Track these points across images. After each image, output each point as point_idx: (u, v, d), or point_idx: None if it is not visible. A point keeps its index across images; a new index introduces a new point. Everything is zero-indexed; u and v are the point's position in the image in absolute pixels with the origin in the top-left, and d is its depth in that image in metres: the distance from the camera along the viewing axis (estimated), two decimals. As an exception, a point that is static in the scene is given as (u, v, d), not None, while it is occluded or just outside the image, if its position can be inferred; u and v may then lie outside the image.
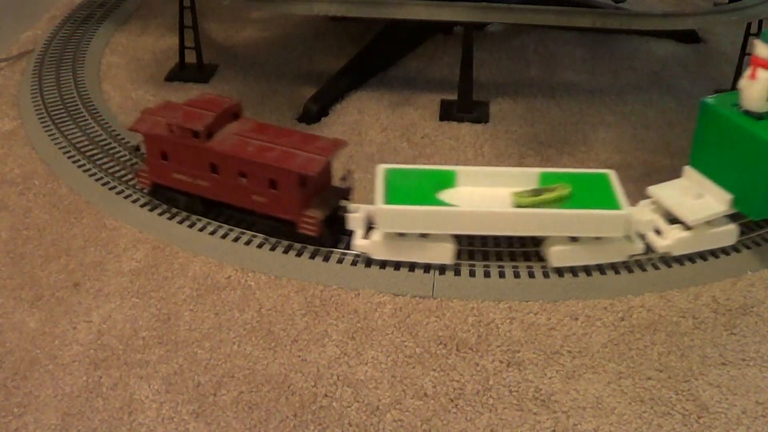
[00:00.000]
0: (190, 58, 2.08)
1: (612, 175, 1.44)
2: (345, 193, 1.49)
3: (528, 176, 1.46)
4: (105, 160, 1.72)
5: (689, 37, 2.24)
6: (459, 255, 1.45)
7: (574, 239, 1.42)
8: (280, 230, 1.48)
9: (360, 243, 1.43)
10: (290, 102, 1.96)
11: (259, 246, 1.49)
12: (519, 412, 1.20)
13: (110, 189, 1.64)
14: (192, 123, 1.44)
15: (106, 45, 2.23)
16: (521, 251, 1.47)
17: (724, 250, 1.48)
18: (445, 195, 1.42)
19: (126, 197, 1.61)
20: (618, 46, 2.23)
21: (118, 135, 1.81)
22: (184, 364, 1.28)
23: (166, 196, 1.56)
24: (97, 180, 1.67)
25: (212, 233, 1.52)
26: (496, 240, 1.49)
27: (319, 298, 1.40)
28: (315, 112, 1.90)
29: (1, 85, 2.05)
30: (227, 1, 1.86)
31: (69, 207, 1.61)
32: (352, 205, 1.47)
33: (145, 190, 1.59)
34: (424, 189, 1.41)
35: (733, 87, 1.97)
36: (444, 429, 1.18)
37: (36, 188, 1.67)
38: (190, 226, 1.54)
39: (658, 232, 1.45)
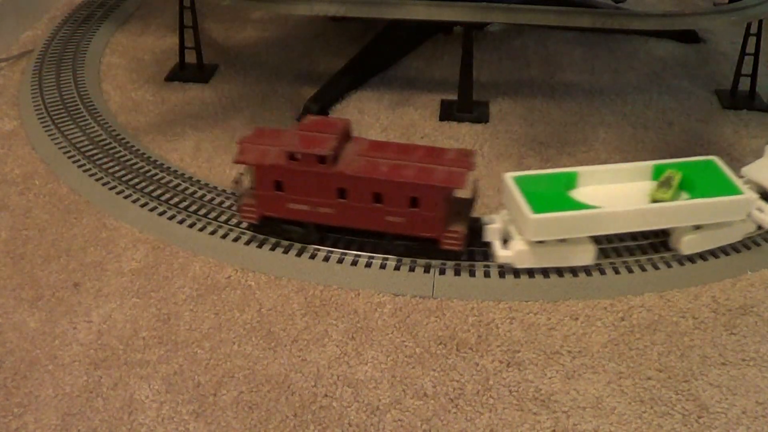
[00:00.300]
0: (190, 58, 2.08)
1: (718, 161, 1.48)
2: (471, 204, 1.46)
3: (642, 170, 1.49)
4: (105, 160, 1.72)
5: (689, 37, 2.24)
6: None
7: (697, 226, 1.44)
8: (416, 249, 1.43)
9: (503, 254, 1.41)
10: (290, 102, 1.96)
11: (259, 246, 1.49)
12: (519, 412, 1.20)
13: (110, 189, 1.64)
14: (317, 148, 1.38)
15: (106, 45, 2.23)
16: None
17: (724, 250, 1.48)
18: (575, 196, 1.43)
19: (126, 197, 1.61)
20: (618, 46, 2.22)
21: (118, 135, 1.81)
22: (184, 364, 1.28)
23: (277, 229, 1.48)
24: (97, 180, 1.67)
25: (212, 233, 1.52)
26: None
27: (319, 298, 1.40)
28: (315, 112, 1.90)
29: (1, 85, 2.05)
30: (227, 1, 1.86)
31: (69, 207, 1.61)
32: (487, 216, 1.46)
33: (243, 225, 1.52)
34: (557, 193, 1.42)
35: (733, 87, 1.98)
36: (444, 429, 1.18)
37: (36, 188, 1.67)
38: (190, 226, 1.54)
39: (759, 210, 1.48)
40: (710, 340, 1.32)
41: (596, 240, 1.43)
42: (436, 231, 1.40)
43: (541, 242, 1.39)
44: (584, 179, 1.47)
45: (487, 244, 1.44)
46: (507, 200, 1.43)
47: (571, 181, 1.46)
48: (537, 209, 1.36)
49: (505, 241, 1.42)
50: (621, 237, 1.48)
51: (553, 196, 1.40)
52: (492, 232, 1.43)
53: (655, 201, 1.42)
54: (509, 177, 1.43)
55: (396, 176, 1.36)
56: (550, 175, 1.46)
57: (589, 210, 1.38)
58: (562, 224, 1.37)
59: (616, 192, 1.46)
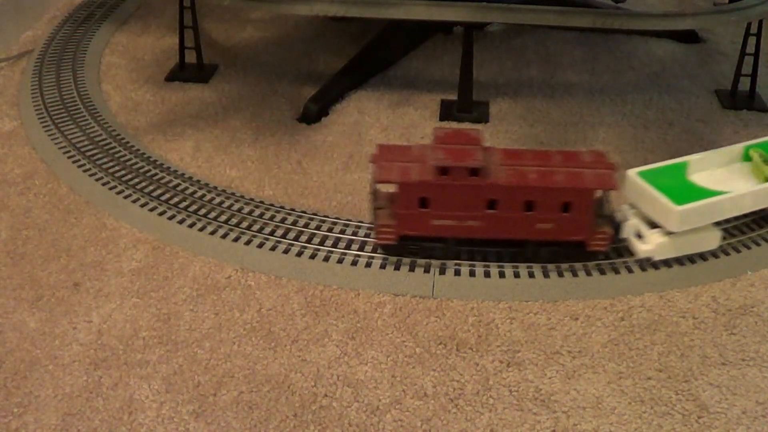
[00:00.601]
0: (190, 58, 2.08)
1: None
2: (603, 204, 1.45)
3: (736, 152, 1.56)
4: (105, 160, 1.72)
5: (689, 37, 2.24)
6: (459, 255, 1.46)
7: None
8: (564, 254, 1.43)
9: (644, 248, 1.43)
10: (290, 102, 1.96)
11: (259, 246, 1.49)
12: (519, 412, 1.20)
13: (110, 189, 1.64)
14: (469, 161, 1.36)
15: (106, 45, 2.23)
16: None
17: (724, 250, 1.48)
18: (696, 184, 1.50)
19: (126, 197, 1.61)
20: (618, 46, 2.22)
21: (118, 135, 1.81)
22: (184, 364, 1.28)
23: (416, 248, 1.43)
24: (97, 180, 1.67)
25: (212, 233, 1.52)
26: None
27: (319, 298, 1.40)
28: (315, 112, 1.90)
29: (1, 85, 2.05)
30: (227, 1, 1.86)
31: (69, 207, 1.61)
32: (620, 213, 1.47)
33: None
34: (681, 183, 1.46)
35: (733, 87, 1.98)
36: (444, 429, 1.18)
37: (36, 188, 1.67)
38: (190, 226, 1.54)
39: None
40: (710, 340, 1.32)
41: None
42: (585, 233, 1.41)
43: (672, 233, 1.42)
44: (694, 167, 1.51)
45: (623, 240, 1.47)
46: (636, 196, 1.45)
47: (684, 170, 1.50)
48: (677, 201, 1.39)
49: (639, 236, 1.45)
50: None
51: (680, 186, 1.45)
52: (628, 228, 1.45)
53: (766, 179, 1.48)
54: (635, 173, 1.46)
55: (550, 182, 1.36)
56: (666, 167, 1.50)
57: (725, 196, 1.43)
58: (703, 212, 1.41)
59: (723, 176, 1.52)
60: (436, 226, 1.40)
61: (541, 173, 1.38)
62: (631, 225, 1.45)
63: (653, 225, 1.43)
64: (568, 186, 1.36)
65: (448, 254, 1.44)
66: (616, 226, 1.46)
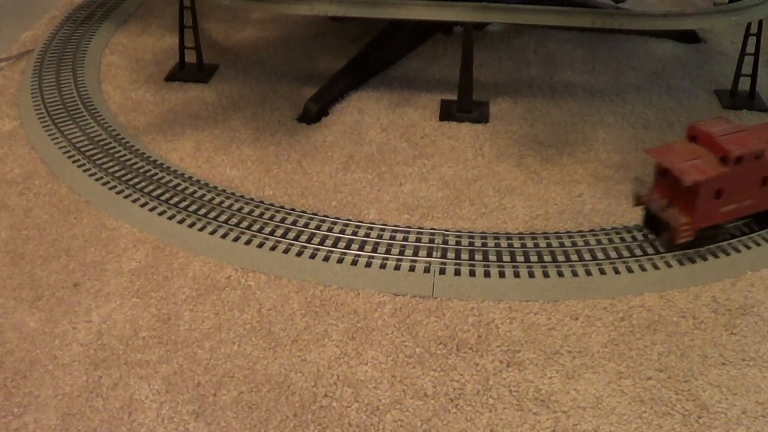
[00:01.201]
0: (190, 58, 2.08)
1: None
2: None
3: None
4: (105, 160, 1.72)
5: (689, 37, 2.24)
6: (459, 254, 1.45)
7: None
8: None
9: None
10: (290, 102, 1.96)
11: (259, 246, 1.49)
12: (519, 412, 1.20)
13: (110, 189, 1.64)
14: (757, 145, 1.44)
15: (106, 45, 2.23)
16: (521, 250, 1.47)
17: (724, 250, 1.48)
18: None
19: (126, 197, 1.61)
20: (618, 46, 2.23)
21: (118, 135, 1.81)
22: (184, 364, 1.28)
23: (703, 238, 1.49)
24: (97, 180, 1.67)
25: (212, 233, 1.52)
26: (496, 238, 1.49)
27: (319, 298, 1.40)
28: (315, 112, 1.90)
29: (1, 85, 2.05)
30: (227, 1, 1.86)
31: (69, 207, 1.61)
32: None
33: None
34: None
35: (733, 87, 1.98)
36: (444, 429, 1.18)
37: (36, 188, 1.67)
38: (190, 225, 1.54)
39: None
40: (710, 340, 1.32)
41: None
42: None
43: None
44: None
45: None
46: None
47: None
48: None
49: None
50: (622, 237, 1.49)
51: None
52: None
53: None
54: None
55: None
56: None
57: None
58: None
59: None
60: (724, 212, 1.48)
61: None
62: None
63: None
64: None
65: (723, 236, 1.52)
66: None
